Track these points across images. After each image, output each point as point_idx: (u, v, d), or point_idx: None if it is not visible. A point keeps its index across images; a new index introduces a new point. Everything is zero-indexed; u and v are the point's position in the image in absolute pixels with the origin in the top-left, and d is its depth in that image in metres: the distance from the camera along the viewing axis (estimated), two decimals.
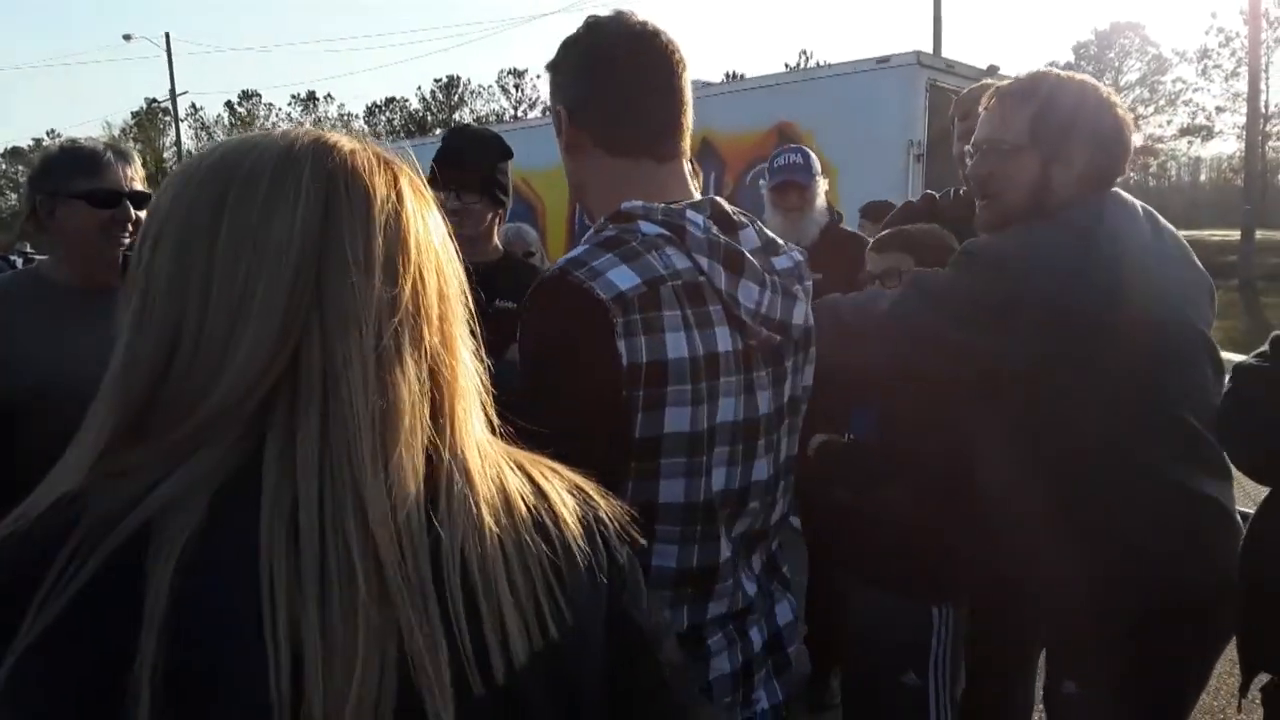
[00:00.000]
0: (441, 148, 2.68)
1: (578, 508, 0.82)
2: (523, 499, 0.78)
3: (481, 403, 0.80)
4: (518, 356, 1.98)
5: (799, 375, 1.52)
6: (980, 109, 1.99)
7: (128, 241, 2.08)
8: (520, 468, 0.82)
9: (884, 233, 2.34)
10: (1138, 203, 1.96)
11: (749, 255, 1.40)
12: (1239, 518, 1.87)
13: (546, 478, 0.83)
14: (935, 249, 2.16)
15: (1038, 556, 1.88)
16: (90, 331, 2.08)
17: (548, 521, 0.78)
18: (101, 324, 2.08)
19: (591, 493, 0.85)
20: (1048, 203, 1.85)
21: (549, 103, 1.51)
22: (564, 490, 0.83)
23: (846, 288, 2.31)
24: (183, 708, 0.60)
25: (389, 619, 0.65)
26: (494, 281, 2.62)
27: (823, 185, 3.34)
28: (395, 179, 0.78)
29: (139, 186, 2.13)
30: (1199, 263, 1.98)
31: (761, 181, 3.46)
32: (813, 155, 3.39)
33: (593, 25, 1.46)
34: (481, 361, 0.82)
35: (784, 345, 1.46)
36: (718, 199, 1.46)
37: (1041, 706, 2.20)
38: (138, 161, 2.15)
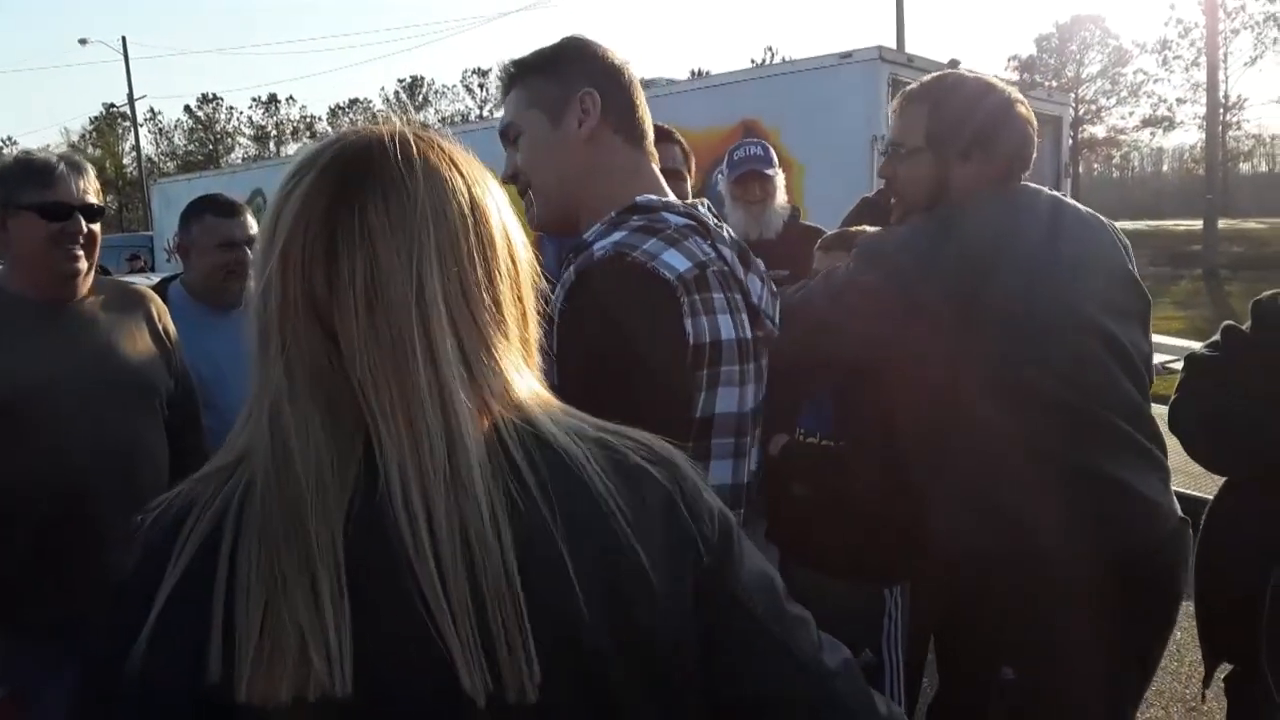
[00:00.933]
0: None
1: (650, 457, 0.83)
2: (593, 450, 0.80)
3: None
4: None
5: (766, 371, 1.56)
6: (890, 112, 2.05)
7: (80, 254, 2.04)
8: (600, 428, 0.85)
9: (829, 234, 2.45)
10: (1061, 199, 2.00)
11: (748, 250, 1.47)
12: (1164, 501, 1.88)
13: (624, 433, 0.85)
14: None
15: (947, 538, 1.95)
16: (41, 343, 2.05)
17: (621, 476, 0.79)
18: (53, 336, 2.04)
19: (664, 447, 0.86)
20: (949, 200, 1.91)
21: (534, 91, 1.47)
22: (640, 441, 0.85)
23: None
24: None
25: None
26: None
27: (782, 179, 3.31)
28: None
29: (93, 199, 2.09)
30: (1128, 261, 1.99)
31: (719, 176, 3.43)
32: (770, 149, 3.36)
33: (578, 38, 1.50)
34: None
35: (769, 339, 1.51)
36: (705, 200, 1.51)
37: None
38: (92, 174, 2.12)
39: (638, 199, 1.39)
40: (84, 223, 2.05)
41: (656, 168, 1.51)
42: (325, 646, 0.67)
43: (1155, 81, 42.08)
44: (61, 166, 2.05)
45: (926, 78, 2.03)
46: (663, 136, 2.56)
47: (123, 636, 0.71)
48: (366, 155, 0.79)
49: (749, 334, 1.39)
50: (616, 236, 1.31)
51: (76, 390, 1.99)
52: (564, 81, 1.44)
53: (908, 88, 2.02)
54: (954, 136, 1.89)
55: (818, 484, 2.22)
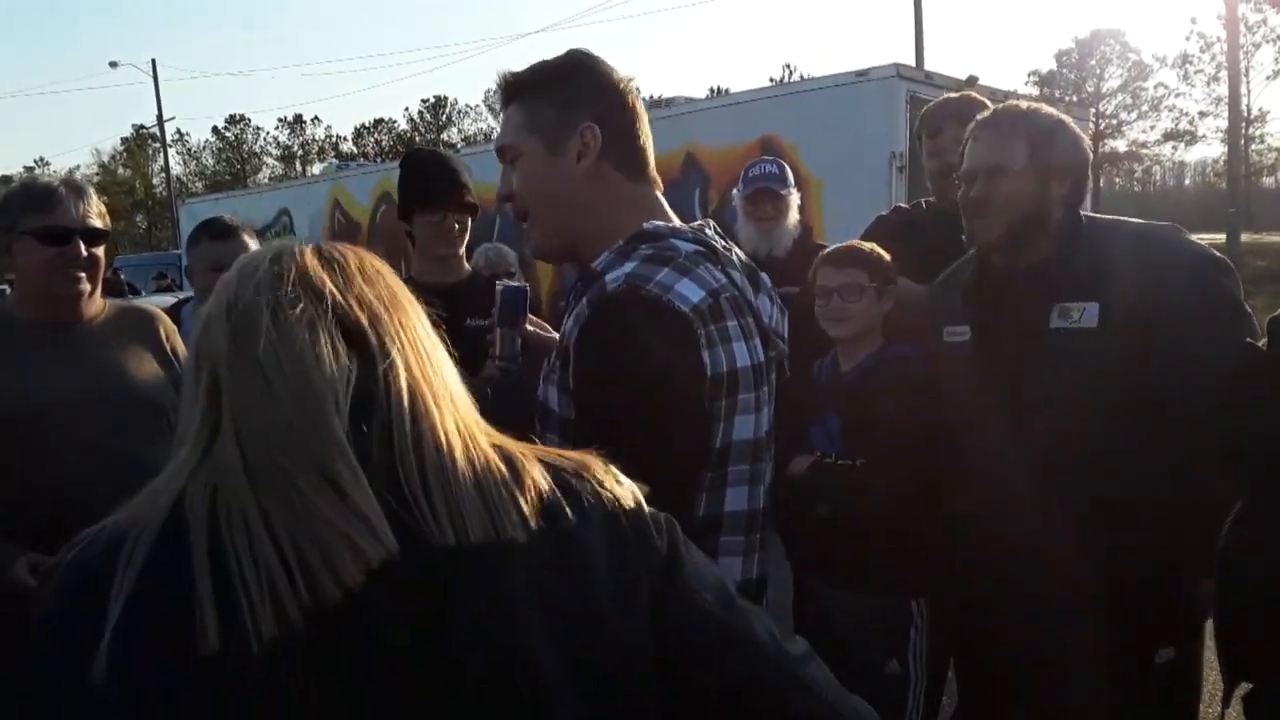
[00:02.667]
0: (422, 171, 2.72)
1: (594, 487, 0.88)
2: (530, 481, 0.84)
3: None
4: (496, 373, 1.99)
5: (776, 389, 1.55)
6: (966, 139, 2.14)
7: (81, 278, 2.07)
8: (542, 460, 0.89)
9: (836, 249, 2.48)
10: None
11: (759, 272, 1.47)
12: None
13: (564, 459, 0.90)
14: (880, 264, 2.39)
15: None
16: (47, 366, 2.07)
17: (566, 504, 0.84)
18: (59, 358, 2.07)
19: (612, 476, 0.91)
20: (1046, 220, 2.04)
21: (534, 116, 1.45)
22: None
23: None
24: None
25: None
26: (463, 301, 2.64)
27: (797, 198, 3.33)
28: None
29: (94, 222, 2.10)
30: None
31: (735, 191, 3.45)
32: (787, 167, 3.39)
33: (581, 54, 1.47)
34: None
35: (781, 359, 1.51)
36: (711, 221, 1.51)
37: None
38: (94, 198, 2.13)
39: (645, 226, 1.37)
40: (83, 246, 2.06)
41: (659, 192, 1.50)
42: (369, 524, 0.73)
43: (1176, 96, 41.65)
44: (61, 190, 2.06)
45: (995, 108, 2.17)
46: None
47: (71, 661, 0.73)
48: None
49: (762, 358, 1.38)
50: (628, 268, 1.29)
51: (82, 412, 1.99)
52: (565, 109, 1.41)
53: (980, 118, 2.14)
54: (1051, 157, 2.02)
55: (842, 503, 2.25)
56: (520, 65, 1.51)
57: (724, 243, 1.45)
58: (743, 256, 1.48)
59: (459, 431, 0.83)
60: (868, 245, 2.47)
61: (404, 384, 0.82)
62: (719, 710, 0.87)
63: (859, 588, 2.26)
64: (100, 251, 2.12)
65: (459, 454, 0.81)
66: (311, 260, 0.87)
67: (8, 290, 2.19)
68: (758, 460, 1.36)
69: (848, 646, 2.27)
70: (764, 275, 1.53)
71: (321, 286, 0.84)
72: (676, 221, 1.44)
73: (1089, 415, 1.92)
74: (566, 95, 1.43)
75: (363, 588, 0.72)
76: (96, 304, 2.17)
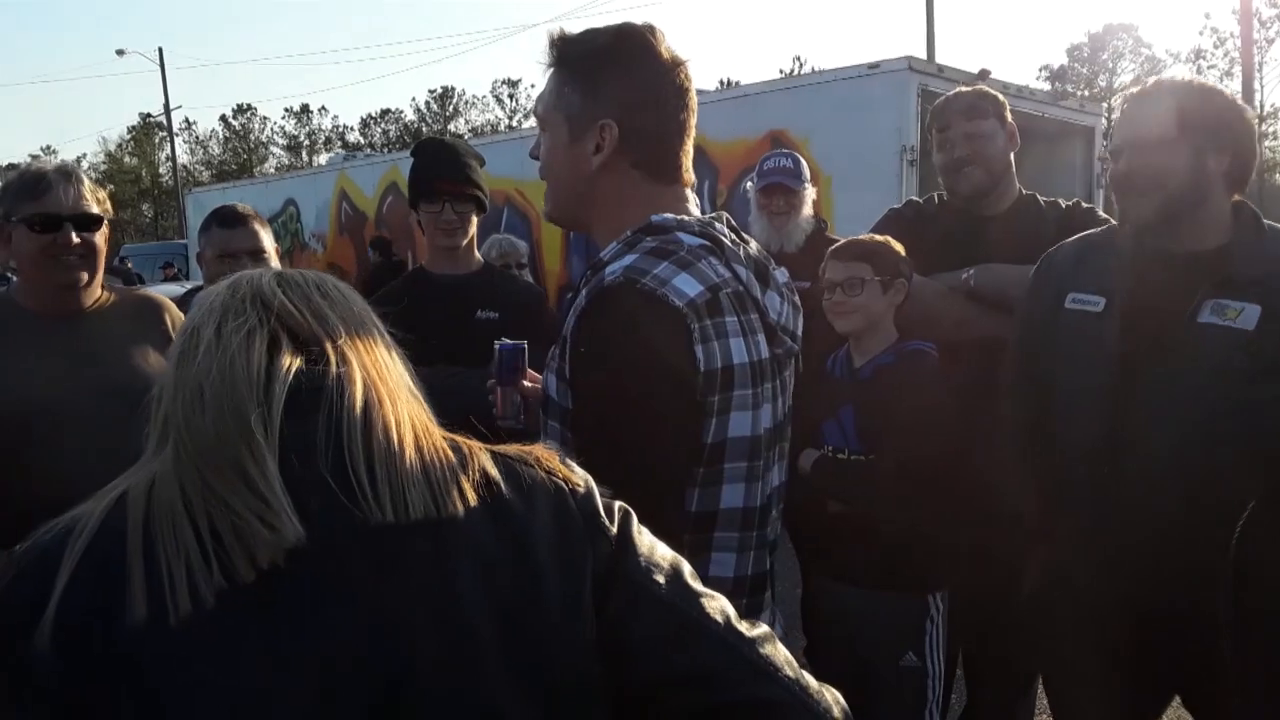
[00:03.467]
0: (427, 162, 2.69)
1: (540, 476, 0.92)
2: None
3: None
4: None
5: (791, 385, 1.55)
6: (1102, 119, 2.07)
7: (76, 264, 2.03)
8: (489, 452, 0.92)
9: (842, 242, 2.46)
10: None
11: (769, 266, 1.46)
12: None
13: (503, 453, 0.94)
14: (887, 256, 2.36)
15: None
16: (50, 356, 2.04)
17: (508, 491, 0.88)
18: (62, 348, 2.04)
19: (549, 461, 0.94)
20: (1206, 199, 1.92)
21: (562, 98, 1.43)
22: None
23: None
24: None
25: None
26: (475, 293, 2.62)
27: (811, 193, 3.30)
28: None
29: (90, 208, 2.06)
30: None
31: (748, 184, 3.42)
32: (803, 162, 3.36)
33: (629, 37, 1.41)
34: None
35: (792, 356, 1.50)
36: (725, 214, 1.49)
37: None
38: (88, 183, 2.09)
39: (653, 218, 1.37)
40: (75, 233, 2.02)
41: (689, 189, 1.48)
42: (275, 507, 0.78)
43: None
44: (52, 177, 2.02)
45: (1154, 79, 2.07)
46: None
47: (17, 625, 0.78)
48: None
49: (765, 354, 1.38)
50: (628, 260, 1.30)
51: (86, 402, 1.96)
52: (593, 98, 1.40)
53: (1129, 93, 2.05)
54: (1214, 129, 1.91)
55: (850, 499, 2.23)
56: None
57: (734, 237, 1.44)
58: (754, 251, 1.47)
59: (411, 424, 0.88)
60: (879, 238, 2.44)
61: (358, 381, 0.87)
62: (674, 697, 0.88)
63: (871, 583, 2.25)
64: (98, 238, 2.08)
65: (408, 442, 0.86)
66: (269, 282, 0.93)
67: (13, 279, 2.16)
68: (755, 458, 1.36)
69: (860, 642, 2.28)
70: (779, 271, 1.52)
71: (271, 299, 0.90)
72: (692, 214, 1.43)
73: (1214, 425, 1.82)
74: (595, 85, 1.40)
75: (277, 569, 0.78)
76: (98, 292, 2.14)
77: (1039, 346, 2.13)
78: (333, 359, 0.88)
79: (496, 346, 1.86)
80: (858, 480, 2.26)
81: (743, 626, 0.91)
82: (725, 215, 1.48)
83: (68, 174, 2.06)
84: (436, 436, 0.90)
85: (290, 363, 0.86)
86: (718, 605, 0.91)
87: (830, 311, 2.37)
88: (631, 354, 1.22)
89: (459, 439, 0.92)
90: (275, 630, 0.78)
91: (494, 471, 0.88)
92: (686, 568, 0.93)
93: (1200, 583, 1.81)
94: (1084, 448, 1.98)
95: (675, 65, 1.42)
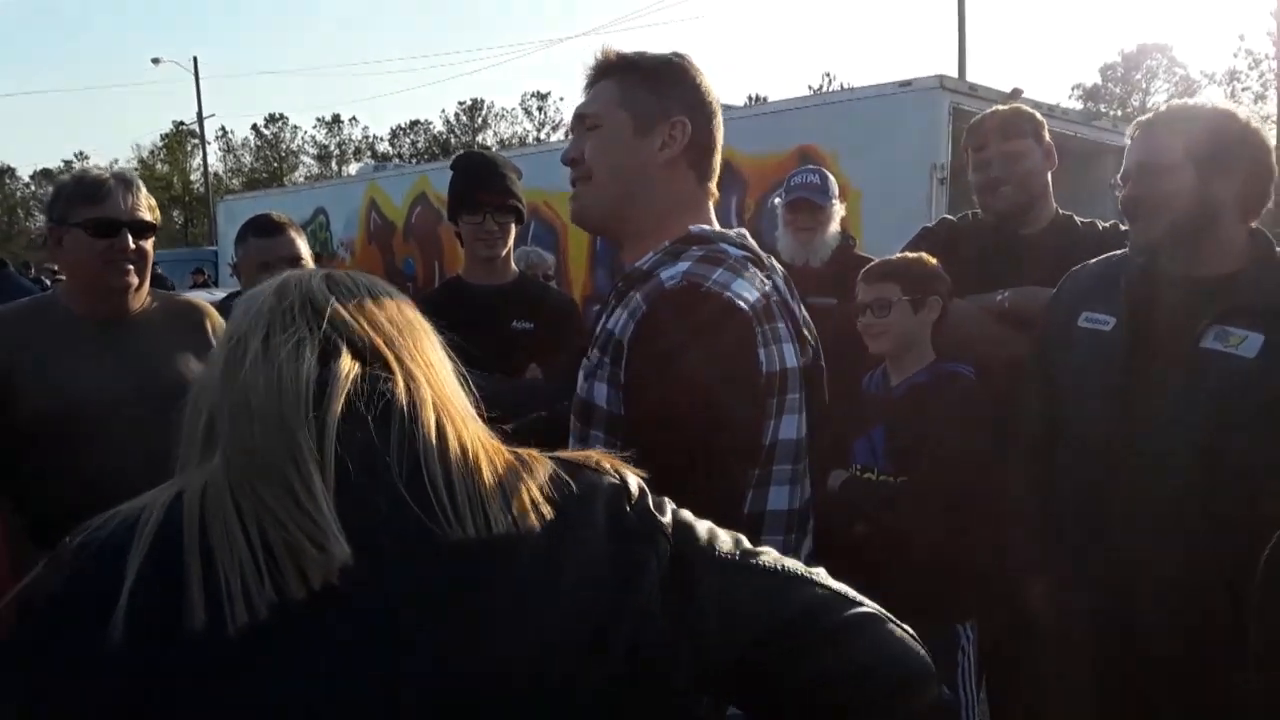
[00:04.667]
0: (466, 173, 2.72)
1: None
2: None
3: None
4: (539, 375, 1.99)
5: (818, 397, 1.55)
6: (1126, 140, 2.07)
7: (129, 270, 2.07)
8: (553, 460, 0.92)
9: (871, 263, 2.45)
10: None
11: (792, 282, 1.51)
12: None
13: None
14: (917, 274, 2.33)
15: None
16: (94, 358, 2.08)
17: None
18: (106, 350, 2.08)
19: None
20: (1215, 224, 1.92)
21: (628, 96, 1.47)
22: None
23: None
24: None
25: None
26: (511, 303, 2.64)
27: (839, 210, 3.29)
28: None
29: (145, 215, 2.11)
30: None
31: (776, 199, 3.42)
32: (831, 178, 3.35)
33: (685, 57, 1.53)
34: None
35: (815, 365, 1.53)
36: (745, 230, 1.53)
37: None
38: (143, 190, 2.13)
39: (692, 229, 1.41)
40: (131, 239, 2.06)
41: (713, 204, 1.54)
42: (324, 530, 0.78)
43: None
44: (111, 183, 2.07)
45: (1161, 105, 2.09)
46: None
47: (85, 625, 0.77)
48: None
49: (799, 361, 1.41)
50: (683, 266, 1.31)
51: (128, 404, 1.99)
52: (662, 98, 1.46)
53: (1140, 120, 2.06)
54: (1221, 153, 1.92)
55: (878, 522, 2.21)
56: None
57: (761, 252, 1.49)
58: (774, 264, 1.52)
59: (478, 438, 0.89)
60: (910, 255, 2.43)
61: (428, 395, 0.87)
62: (776, 647, 0.87)
63: (895, 611, 2.22)
64: (149, 245, 2.13)
65: (483, 457, 0.86)
66: (319, 286, 0.92)
67: (47, 282, 2.20)
68: (798, 461, 1.39)
69: None
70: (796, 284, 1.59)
71: (323, 307, 0.90)
72: (716, 226, 1.48)
73: (1215, 444, 1.83)
74: (666, 87, 1.47)
75: (329, 588, 0.77)
76: (143, 296, 2.18)
77: (1052, 363, 2.14)
78: (398, 372, 0.87)
79: None
80: (884, 502, 2.23)
81: (803, 567, 0.93)
82: (744, 231, 1.52)
83: (127, 181, 2.11)
84: (500, 446, 0.90)
85: (347, 372, 0.85)
86: (776, 555, 0.93)
87: (864, 334, 2.36)
88: (704, 356, 1.23)
89: (518, 450, 0.92)
90: (334, 644, 0.77)
91: (558, 479, 0.88)
92: (741, 536, 0.95)
93: (1201, 612, 1.83)
94: (1094, 463, 1.99)
95: (714, 93, 1.52)
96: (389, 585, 0.79)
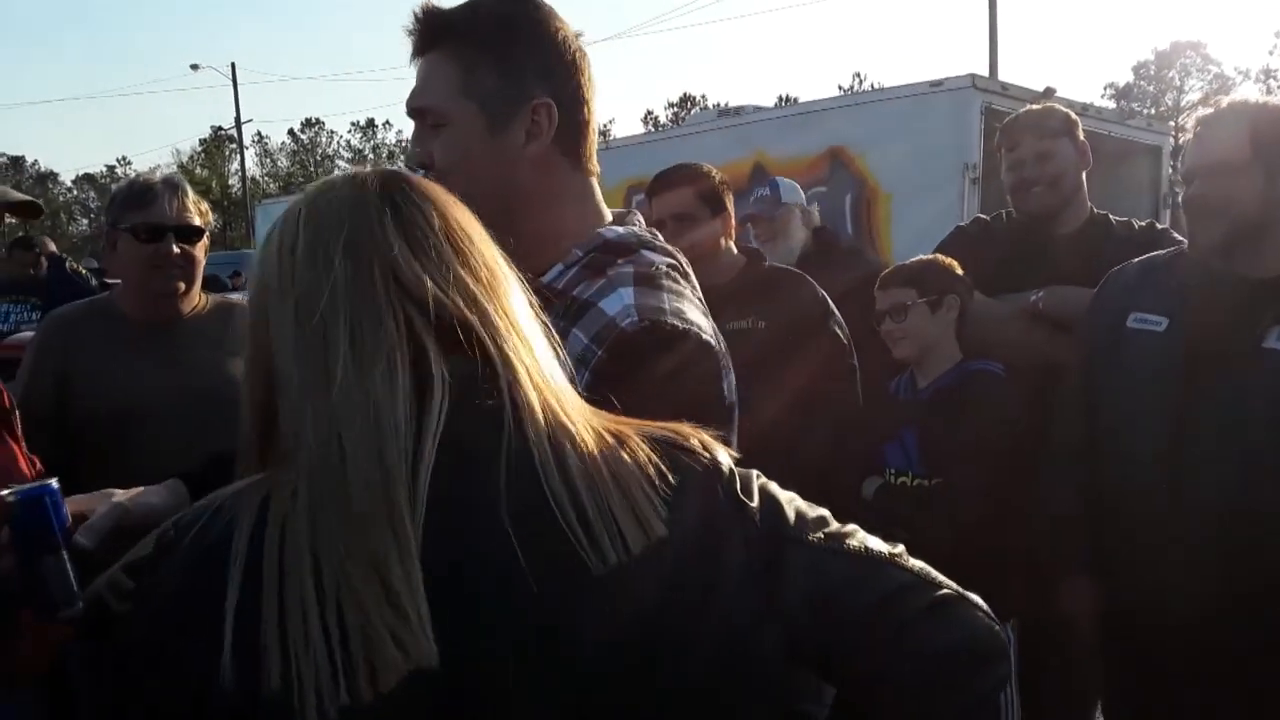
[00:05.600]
0: None
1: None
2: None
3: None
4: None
5: None
6: (1187, 137, 2.02)
7: (175, 275, 2.10)
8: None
9: (886, 271, 2.46)
10: None
11: None
12: None
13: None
14: (932, 276, 2.32)
15: None
16: (145, 361, 2.12)
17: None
18: (156, 354, 2.12)
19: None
20: (1276, 224, 1.90)
21: (472, 81, 1.18)
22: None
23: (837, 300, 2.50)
24: None
25: None
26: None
27: (797, 214, 3.35)
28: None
29: (192, 220, 2.13)
30: None
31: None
32: (786, 185, 3.43)
33: (525, 1, 1.22)
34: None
35: None
36: (638, 213, 1.34)
37: None
38: (192, 195, 2.15)
39: (605, 234, 1.22)
40: (176, 243, 2.08)
41: (595, 182, 1.29)
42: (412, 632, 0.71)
43: None
44: (159, 187, 2.09)
45: (1219, 103, 2.03)
46: (678, 182, 2.53)
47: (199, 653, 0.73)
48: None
49: None
50: (627, 297, 1.13)
51: (177, 408, 2.02)
52: (513, 77, 1.17)
53: (1200, 115, 2.01)
54: None
55: (914, 525, 2.20)
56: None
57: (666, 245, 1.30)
58: (680, 256, 1.31)
59: (592, 434, 0.82)
60: (925, 258, 2.44)
61: (533, 399, 0.80)
62: (869, 627, 0.87)
63: None
64: (198, 250, 2.15)
65: (601, 464, 0.80)
66: (400, 248, 0.80)
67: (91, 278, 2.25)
68: None
69: None
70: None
71: (419, 289, 0.80)
72: (608, 214, 1.29)
73: (1268, 445, 1.81)
74: (514, 57, 1.17)
75: (399, 688, 0.71)
76: (195, 300, 2.21)
77: (1099, 365, 2.11)
78: (499, 369, 0.80)
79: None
80: (918, 504, 2.23)
81: (888, 548, 0.92)
82: (638, 214, 1.32)
83: (174, 185, 2.13)
84: (597, 423, 0.84)
85: (441, 399, 0.77)
86: (863, 536, 0.92)
87: (886, 340, 2.37)
88: (674, 403, 1.00)
89: (613, 428, 0.86)
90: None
91: (658, 468, 0.83)
92: (826, 513, 0.93)
93: (1244, 619, 1.80)
94: (1143, 465, 1.96)
95: (574, 36, 1.23)
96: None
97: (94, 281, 6.37)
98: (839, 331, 2.50)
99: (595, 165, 1.27)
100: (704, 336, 1.14)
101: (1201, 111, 2.03)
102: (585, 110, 1.23)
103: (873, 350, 2.51)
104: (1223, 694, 1.90)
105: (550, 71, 1.19)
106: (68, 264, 6.93)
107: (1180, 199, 2.02)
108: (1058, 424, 2.18)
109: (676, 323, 1.12)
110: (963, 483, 2.15)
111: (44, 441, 1.90)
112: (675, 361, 1.10)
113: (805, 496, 0.95)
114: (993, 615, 0.89)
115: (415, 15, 1.20)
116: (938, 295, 2.31)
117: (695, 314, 1.16)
